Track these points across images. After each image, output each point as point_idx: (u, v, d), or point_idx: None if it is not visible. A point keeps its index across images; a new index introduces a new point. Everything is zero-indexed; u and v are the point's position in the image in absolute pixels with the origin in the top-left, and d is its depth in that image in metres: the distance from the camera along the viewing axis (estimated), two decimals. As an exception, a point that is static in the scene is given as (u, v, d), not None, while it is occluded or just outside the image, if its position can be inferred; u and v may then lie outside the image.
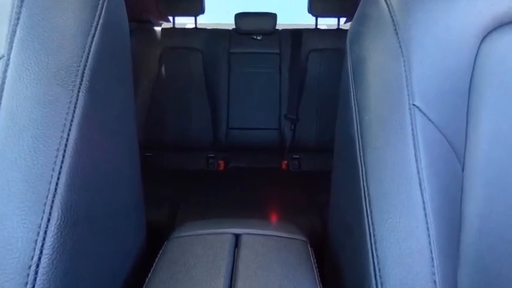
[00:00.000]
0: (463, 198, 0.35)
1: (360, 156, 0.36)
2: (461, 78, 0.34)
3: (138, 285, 0.40)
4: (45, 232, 0.28)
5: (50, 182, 0.29)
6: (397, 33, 0.34)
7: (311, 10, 1.43)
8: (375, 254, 0.33)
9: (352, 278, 0.38)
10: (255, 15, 1.46)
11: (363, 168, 0.35)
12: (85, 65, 0.32)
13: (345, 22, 1.52)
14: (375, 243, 0.33)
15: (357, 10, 0.41)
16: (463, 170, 0.35)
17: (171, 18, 1.53)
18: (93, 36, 0.33)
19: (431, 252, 0.32)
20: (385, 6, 0.36)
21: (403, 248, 0.32)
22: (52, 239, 0.28)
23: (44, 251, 0.28)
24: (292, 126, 1.41)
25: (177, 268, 0.40)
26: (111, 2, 0.35)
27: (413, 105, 0.33)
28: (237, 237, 0.46)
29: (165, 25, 1.59)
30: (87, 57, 0.32)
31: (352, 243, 0.37)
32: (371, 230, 0.34)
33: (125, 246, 0.43)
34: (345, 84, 0.41)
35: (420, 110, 0.33)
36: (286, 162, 1.45)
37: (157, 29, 1.50)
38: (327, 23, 1.70)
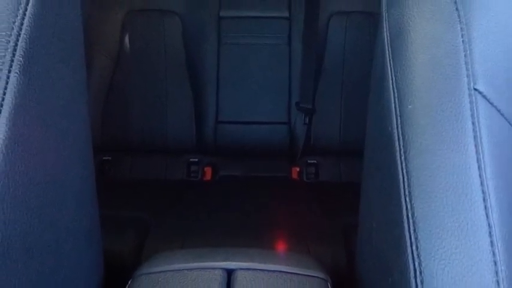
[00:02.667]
0: None
1: (401, 162, 0.36)
2: None
3: None
4: None
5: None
6: None
7: None
8: None
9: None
10: None
11: (405, 178, 0.35)
12: (18, 35, 0.32)
13: None
14: (422, 283, 0.33)
15: None
16: None
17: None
18: None
19: (500, 295, 0.32)
20: None
21: (460, 290, 0.32)
22: None
23: None
24: (307, 120, 1.41)
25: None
26: None
27: (475, 90, 0.34)
28: (230, 273, 0.46)
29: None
30: (21, 24, 0.32)
31: (390, 282, 0.37)
32: (416, 264, 0.33)
33: (74, 288, 0.43)
34: (380, 61, 0.41)
35: (484, 96, 0.33)
36: (298, 169, 1.45)
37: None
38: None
